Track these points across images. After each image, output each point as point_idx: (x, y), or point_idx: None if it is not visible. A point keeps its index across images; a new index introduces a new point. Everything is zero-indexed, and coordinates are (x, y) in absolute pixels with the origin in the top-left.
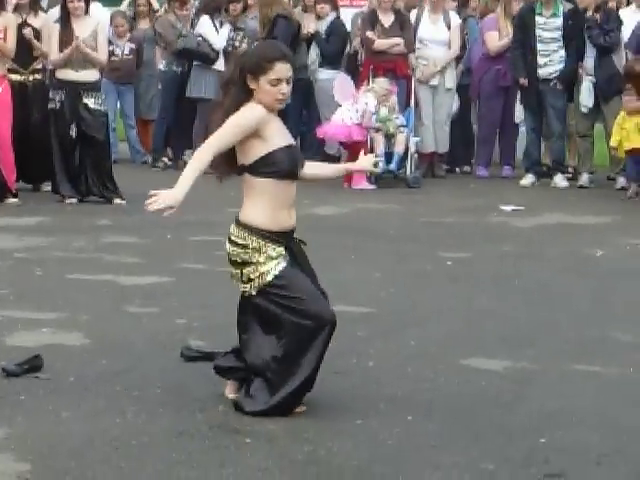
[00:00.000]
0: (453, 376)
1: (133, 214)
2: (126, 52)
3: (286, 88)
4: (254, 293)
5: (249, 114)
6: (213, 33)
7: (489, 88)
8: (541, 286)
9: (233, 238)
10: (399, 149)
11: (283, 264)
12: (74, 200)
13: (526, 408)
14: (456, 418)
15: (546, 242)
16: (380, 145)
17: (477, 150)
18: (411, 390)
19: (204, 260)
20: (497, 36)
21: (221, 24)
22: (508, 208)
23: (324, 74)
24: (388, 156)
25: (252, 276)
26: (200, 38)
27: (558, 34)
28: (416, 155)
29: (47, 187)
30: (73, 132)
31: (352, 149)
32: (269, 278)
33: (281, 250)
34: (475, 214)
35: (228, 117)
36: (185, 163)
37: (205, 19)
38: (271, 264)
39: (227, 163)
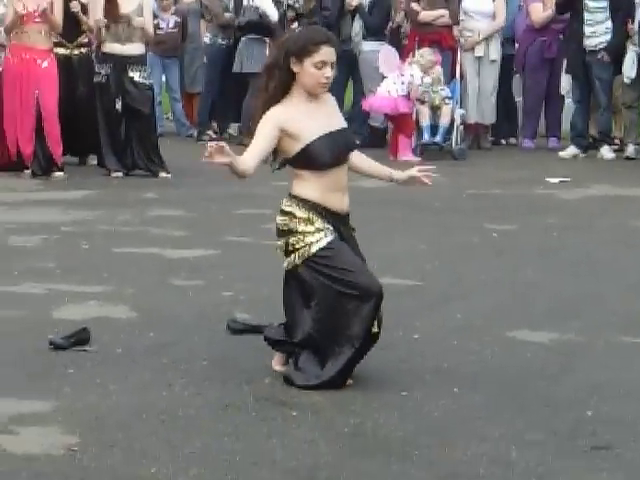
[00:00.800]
0: (499, 348)
1: (179, 187)
2: (171, 25)
3: (330, 72)
4: (299, 263)
5: (266, 121)
6: (271, 6)
7: (534, 60)
8: (587, 258)
9: (283, 207)
10: (444, 121)
11: (330, 237)
12: (120, 174)
13: (572, 380)
14: (502, 390)
15: (593, 214)
16: (426, 117)
17: (523, 122)
18: (457, 363)
19: (249, 233)
20: (541, 7)
21: None
22: (554, 180)
23: (368, 46)
24: (434, 128)
25: (297, 245)
26: (260, 10)
27: (605, 4)
28: (462, 127)
29: (93, 161)
30: (119, 106)
31: (398, 121)
32: (314, 249)
33: (329, 226)
34: (521, 186)
35: (271, 101)
36: (230, 136)
37: None
38: (318, 235)
39: (277, 156)
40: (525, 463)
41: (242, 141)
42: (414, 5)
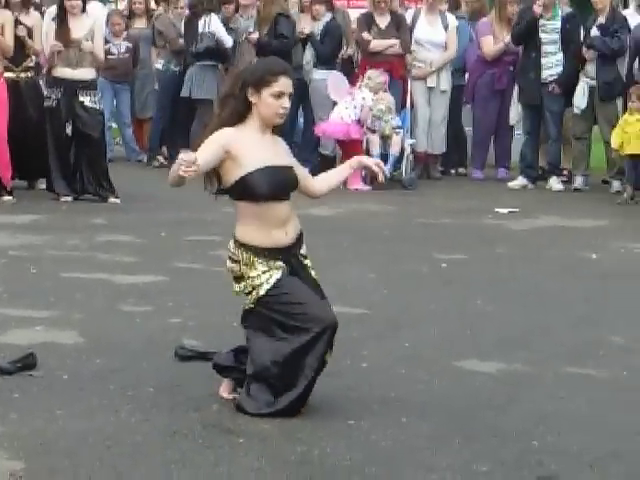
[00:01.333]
0: (447, 378)
1: (128, 213)
2: (122, 50)
3: (287, 102)
4: (251, 306)
5: (214, 137)
6: (224, 31)
7: (484, 91)
8: (536, 289)
9: (229, 254)
10: (394, 150)
11: (277, 275)
12: (69, 198)
13: (519, 411)
14: (450, 420)
15: (541, 245)
16: (376, 146)
17: (472, 152)
18: (405, 392)
19: (199, 259)
20: (492, 40)
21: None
22: (503, 210)
23: (318, 74)
24: (384, 157)
25: (247, 290)
26: (216, 37)
27: (556, 37)
28: (411, 156)
29: (42, 185)
30: (69, 130)
31: (348, 148)
32: (262, 292)
33: (274, 264)
34: (470, 216)
35: (220, 127)
36: None
37: (215, 18)
38: (264, 277)
39: (219, 182)
40: None
41: None
42: (365, 34)
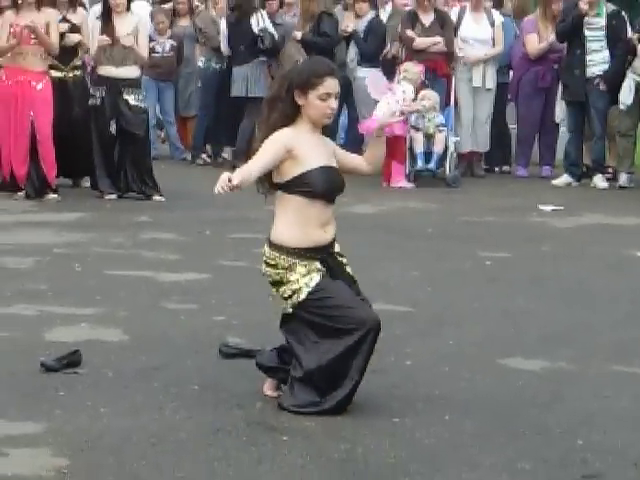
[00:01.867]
0: (490, 376)
1: (172, 211)
2: (167, 49)
3: (335, 103)
4: (290, 311)
5: (276, 138)
6: (272, 28)
7: (528, 89)
8: (580, 286)
9: (265, 259)
10: (438, 148)
11: (317, 278)
12: (113, 196)
13: (564, 409)
14: (493, 418)
15: (585, 242)
16: (420, 144)
17: (516, 150)
18: (448, 389)
19: (242, 257)
20: (537, 39)
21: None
22: (547, 208)
23: (362, 72)
24: (427, 155)
25: (286, 295)
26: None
27: (601, 34)
28: (455, 154)
29: (87, 183)
30: (113, 128)
31: (391, 146)
32: (303, 296)
33: (314, 265)
34: (514, 214)
35: (270, 129)
36: (224, 160)
37: (264, 14)
38: (303, 280)
39: (269, 180)
40: None
41: (235, 165)
42: (409, 32)
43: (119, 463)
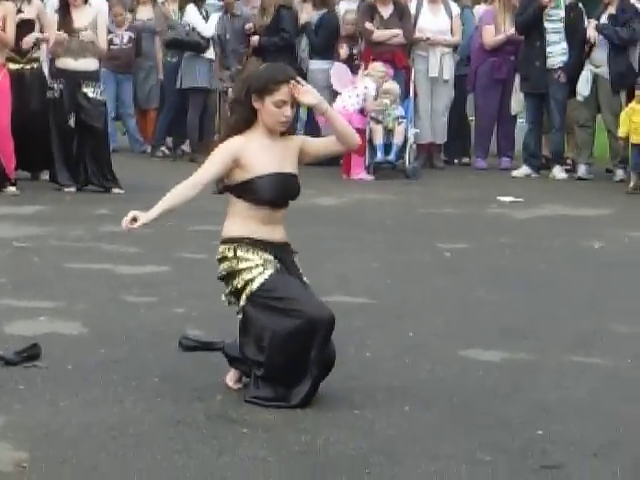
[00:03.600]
0: (451, 367)
1: (132, 203)
2: (125, 41)
3: (289, 111)
4: (243, 303)
5: (222, 149)
6: (201, 21)
7: (485, 80)
8: (539, 278)
9: (218, 255)
10: (398, 140)
11: (270, 271)
12: (72, 189)
13: (523, 399)
14: (453, 409)
15: (544, 234)
16: (379, 136)
17: (475, 142)
18: (408, 381)
19: (203, 249)
20: (494, 30)
21: (207, 13)
22: (506, 199)
23: (315, 65)
24: (387, 147)
25: (239, 286)
26: (188, 27)
27: (560, 26)
28: (414, 146)
29: (45, 176)
30: (72, 121)
31: None
32: (255, 285)
33: (266, 256)
34: (473, 205)
35: (231, 135)
36: (183, 152)
37: (191, 8)
38: (257, 271)
39: (221, 181)
40: None
41: (193, 158)
42: (368, 24)
43: (79, 456)
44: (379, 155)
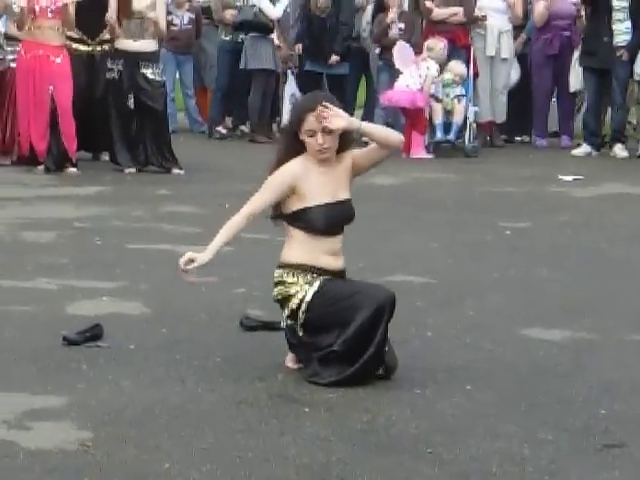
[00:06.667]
0: (512, 346)
1: (192, 184)
2: (185, 22)
3: (322, 139)
4: (302, 316)
5: (279, 176)
6: (268, 4)
7: (538, 57)
8: (600, 256)
9: (274, 279)
10: (457, 119)
11: (319, 282)
12: (133, 170)
13: (585, 378)
14: (515, 388)
15: (606, 212)
16: (439, 115)
17: (534, 120)
18: (469, 360)
19: (263, 230)
20: (542, 5)
21: None
22: (568, 178)
23: None
24: (446, 126)
25: (294, 305)
26: (255, 8)
27: (626, 4)
28: (474, 125)
29: (106, 157)
30: (131, 102)
31: (412, 117)
32: (309, 297)
33: (318, 278)
34: (534, 184)
35: (278, 164)
36: (242, 133)
37: None
38: (306, 287)
39: (277, 207)
40: (537, 461)
41: (253, 139)
42: (428, 3)
43: (141, 436)
44: (439, 134)
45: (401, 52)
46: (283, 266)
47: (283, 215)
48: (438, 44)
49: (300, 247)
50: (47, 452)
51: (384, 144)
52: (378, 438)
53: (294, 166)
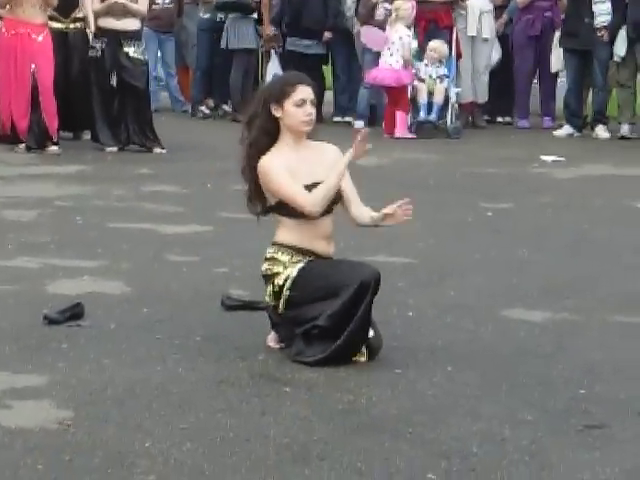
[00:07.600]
0: (493, 327)
1: (173, 163)
2: (167, 1)
3: (311, 108)
4: (288, 294)
5: (277, 165)
6: None
7: (520, 38)
8: (582, 237)
9: (266, 255)
10: (438, 99)
11: (304, 262)
12: (114, 149)
13: (566, 359)
14: (496, 369)
15: (587, 193)
16: (423, 94)
17: (516, 101)
18: (451, 340)
19: (245, 209)
20: None
21: None
22: (549, 159)
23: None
24: (429, 106)
25: (281, 282)
26: None
27: None
28: (456, 105)
29: (87, 136)
30: (113, 81)
31: (396, 96)
32: (295, 272)
33: (307, 258)
34: (515, 165)
35: (253, 148)
36: (225, 112)
37: None
38: (291, 266)
39: (261, 202)
40: (518, 441)
41: (235, 118)
42: None
43: (123, 415)
44: (422, 114)
45: (370, 35)
46: (277, 244)
47: (269, 208)
48: (405, 3)
49: (293, 231)
50: (28, 431)
51: (367, 223)
52: (359, 418)
53: (274, 160)
